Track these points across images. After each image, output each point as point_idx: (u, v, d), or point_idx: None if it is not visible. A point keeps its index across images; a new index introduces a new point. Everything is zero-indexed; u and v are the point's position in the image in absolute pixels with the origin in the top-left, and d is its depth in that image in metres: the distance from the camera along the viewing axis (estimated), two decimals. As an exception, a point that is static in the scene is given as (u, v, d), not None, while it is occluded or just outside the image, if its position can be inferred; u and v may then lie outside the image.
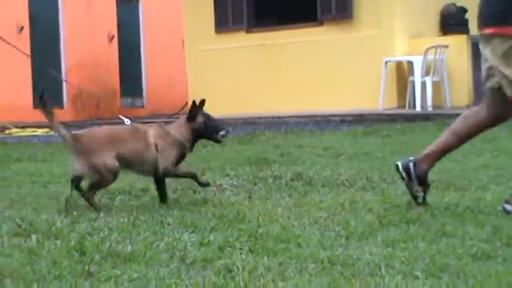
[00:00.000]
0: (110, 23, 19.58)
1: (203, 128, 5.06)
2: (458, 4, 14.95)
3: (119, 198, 5.31)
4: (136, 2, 20.41)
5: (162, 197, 5.05)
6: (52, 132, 13.51)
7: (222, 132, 5.13)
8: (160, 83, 20.39)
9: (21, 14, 17.30)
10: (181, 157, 5.03)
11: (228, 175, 6.31)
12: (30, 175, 6.96)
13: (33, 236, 4.01)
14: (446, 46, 14.04)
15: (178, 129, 5.05)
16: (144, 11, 20.47)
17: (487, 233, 3.83)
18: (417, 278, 3.11)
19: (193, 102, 5.09)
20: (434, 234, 3.85)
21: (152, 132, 4.99)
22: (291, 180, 5.97)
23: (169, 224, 4.29)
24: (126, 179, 6.09)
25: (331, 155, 7.79)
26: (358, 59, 14.56)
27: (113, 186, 5.35)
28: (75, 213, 4.65)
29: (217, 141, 5.21)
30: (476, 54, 14.35)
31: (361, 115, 13.37)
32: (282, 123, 12.59)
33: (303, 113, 14.08)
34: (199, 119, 5.05)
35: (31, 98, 17.54)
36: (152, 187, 5.49)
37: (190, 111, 5.07)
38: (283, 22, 15.60)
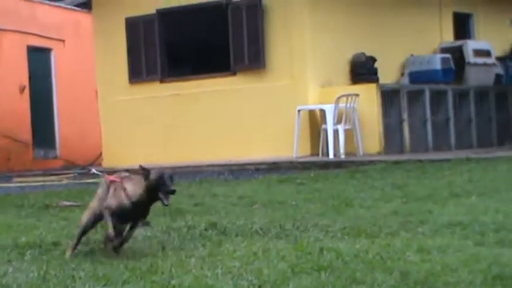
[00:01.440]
0: (20, 73, 19.34)
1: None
2: (368, 53, 15.27)
3: (29, 252, 5.21)
4: (48, 52, 20.23)
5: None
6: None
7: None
8: (74, 133, 20.17)
9: None
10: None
11: (141, 227, 6.25)
12: None
13: None
14: (357, 94, 14.31)
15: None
16: (56, 60, 20.30)
17: (395, 279, 3.87)
18: (327, 325, 3.13)
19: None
20: (345, 281, 3.88)
21: None
22: (205, 229, 5.95)
23: (80, 278, 4.22)
24: (36, 233, 6.00)
25: (245, 204, 7.80)
26: (271, 107, 14.71)
27: (23, 240, 5.27)
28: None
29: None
30: (385, 102, 14.69)
31: (275, 163, 13.47)
32: (197, 173, 12.58)
33: (218, 161, 14.11)
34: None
35: None
36: (63, 241, 5.43)
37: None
38: (197, 72, 15.70)
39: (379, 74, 15.35)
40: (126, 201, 4.83)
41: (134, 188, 4.87)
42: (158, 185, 4.78)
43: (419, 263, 4.25)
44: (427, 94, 15.61)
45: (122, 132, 15.89)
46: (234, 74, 15.28)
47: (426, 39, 17.06)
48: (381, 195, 7.81)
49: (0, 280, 4.21)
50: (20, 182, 13.82)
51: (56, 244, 5.48)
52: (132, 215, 4.86)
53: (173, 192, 4.78)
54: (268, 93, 14.85)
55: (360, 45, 15.43)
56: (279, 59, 14.87)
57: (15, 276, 4.33)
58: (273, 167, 13.11)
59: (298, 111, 14.28)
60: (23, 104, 19.35)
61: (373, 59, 15.35)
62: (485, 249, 4.62)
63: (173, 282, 4.00)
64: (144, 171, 4.86)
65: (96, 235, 5.74)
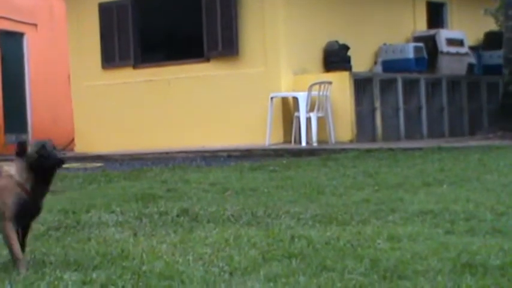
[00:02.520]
0: None
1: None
2: (341, 41, 15.30)
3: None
4: (21, 36, 20.06)
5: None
6: None
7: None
8: (46, 118, 20.04)
9: None
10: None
11: (113, 212, 6.24)
12: None
13: None
14: (330, 82, 14.33)
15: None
16: (28, 45, 20.13)
17: (365, 266, 3.91)
18: (297, 312, 3.15)
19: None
20: (315, 269, 3.90)
21: None
22: (177, 216, 5.96)
23: (51, 263, 4.22)
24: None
25: (217, 191, 7.80)
26: (244, 94, 14.71)
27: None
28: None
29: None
30: (358, 90, 14.74)
31: (248, 150, 13.48)
32: (169, 159, 12.57)
33: (191, 148, 14.10)
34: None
35: None
36: (34, 226, 5.41)
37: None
38: (170, 58, 15.65)
39: (352, 63, 15.38)
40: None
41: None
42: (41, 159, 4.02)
43: (390, 251, 4.28)
44: (400, 83, 15.67)
45: (95, 117, 15.82)
46: (208, 60, 15.25)
47: (399, 28, 17.12)
48: (352, 183, 7.84)
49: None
50: None
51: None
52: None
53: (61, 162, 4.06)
54: (241, 80, 14.84)
55: (334, 34, 15.45)
56: (253, 46, 14.85)
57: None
58: (246, 154, 13.12)
59: (271, 98, 14.29)
60: (-5, 88, 19.22)
61: (346, 47, 15.37)
62: (455, 238, 4.67)
63: (144, 268, 4.01)
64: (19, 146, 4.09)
65: (68, 219, 5.74)
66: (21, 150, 4.07)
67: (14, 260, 4.03)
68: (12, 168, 4.10)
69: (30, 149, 4.06)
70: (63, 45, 17.32)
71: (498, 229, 4.89)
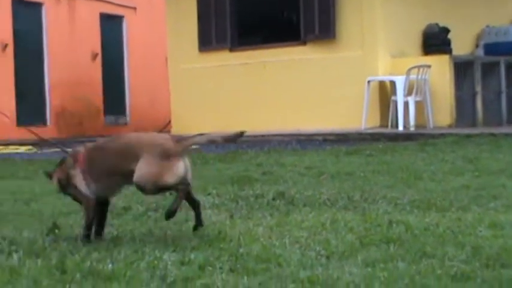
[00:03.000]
0: (93, 41, 19.58)
1: None
2: (441, 24, 15.05)
3: (100, 216, 5.29)
4: (120, 20, 20.42)
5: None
6: (34, 150, 13.51)
7: None
8: (144, 100, 20.38)
9: (5, 31, 17.27)
10: None
11: (209, 194, 6.31)
12: (12, 193, 6.93)
13: (15, 255, 4.00)
14: (429, 66, 14.13)
15: None
16: (128, 28, 20.48)
17: (467, 253, 3.84)
18: (396, 298, 3.12)
19: None
20: (414, 255, 3.86)
21: None
22: (273, 199, 5.97)
23: (150, 243, 4.28)
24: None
25: (313, 174, 7.80)
26: (341, 78, 14.63)
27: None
28: (57, 231, 4.64)
29: None
30: (458, 74, 14.48)
31: (343, 134, 13.41)
32: (265, 142, 12.61)
33: (286, 131, 14.11)
34: None
35: (14, 115, 17.51)
36: (134, 206, 5.51)
37: None
38: (266, 41, 15.66)
39: (453, 46, 15.13)
40: None
41: None
42: None
43: (492, 238, 4.20)
44: (503, 66, 15.32)
45: (191, 99, 15.98)
46: (304, 43, 15.22)
47: (503, 10, 16.72)
48: (451, 169, 7.74)
49: (73, 243, 4.30)
50: None
51: (126, 209, 5.57)
52: None
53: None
54: (338, 63, 14.76)
55: (433, 16, 15.21)
56: (350, 29, 14.74)
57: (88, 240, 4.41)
58: (341, 138, 13.06)
59: (368, 82, 14.17)
60: (96, 72, 19.62)
61: (446, 30, 15.12)
62: (560, 226, 4.55)
63: (241, 250, 4.03)
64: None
65: (166, 200, 5.81)
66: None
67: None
68: None
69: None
70: (161, 28, 17.54)
71: None
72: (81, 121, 18.80)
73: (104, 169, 4.38)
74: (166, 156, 4.26)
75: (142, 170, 4.25)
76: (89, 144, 4.57)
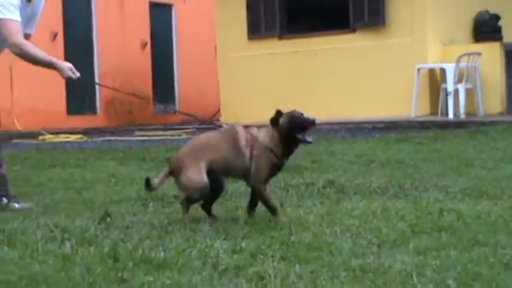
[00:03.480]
0: (143, 30, 19.68)
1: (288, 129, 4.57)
2: (492, 11, 14.87)
3: (151, 205, 5.34)
4: (169, 8, 20.49)
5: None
6: (85, 139, 13.67)
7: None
8: (193, 89, 20.46)
9: (55, 20, 17.43)
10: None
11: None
12: (64, 181, 7.02)
13: (67, 243, 4.06)
14: (479, 53, 13.98)
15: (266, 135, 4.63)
16: (177, 17, 20.56)
17: (520, 242, 3.82)
18: (449, 286, 3.10)
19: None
20: (466, 243, 3.84)
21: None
22: (323, 187, 5.97)
23: (201, 231, 4.31)
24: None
25: (363, 162, 7.78)
26: (390, 65, 14.54)
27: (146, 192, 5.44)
28: (108, 219, 4.70)
29: (304, 141, 4.65)
30: (509, 62, 14.30)
31: (393, 122, 13.34)
32: (314, 130, 12.56)
33: (335, 119, 14.06)
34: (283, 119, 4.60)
35: (64, 104, 17.70)
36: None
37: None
38: (315, 29, 15.60)
39: (503, 33, 14.95)
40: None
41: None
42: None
43: (545, 227, 4.17)
44: (554, 53, 15.08)
45: (240, 88, 16.00)
46: (354, 31, 15.15)
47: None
48: (502, 157, 7.66)
49: (125, 231, 4.35)
50: (141, 135, 14.15)
51: (177, 197, 5.59)
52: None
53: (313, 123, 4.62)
54: (387, 51, 14.67)
55: (484, 3, 15.05)
56: (399, 16, 14.64)
57: (139, 227, 4.46)
58: (391, 126, 12.99)
59: (418, 69, 14.07)
60: (145, 60, 19.73)
61: (497, 17, 14.94)
62: None
63: (292, 238, 4.04)
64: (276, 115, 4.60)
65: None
66: (275, 120, 4.58)
67: (274, 212, 4.59)
68: (261, 133, 4.64)
69: (282, 119, 4.59)
70: (210, 16, 17.58)
71: None
72: (131, 109, 18.93)
73: None
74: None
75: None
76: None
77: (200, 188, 4.51)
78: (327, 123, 13.73)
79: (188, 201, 4.62)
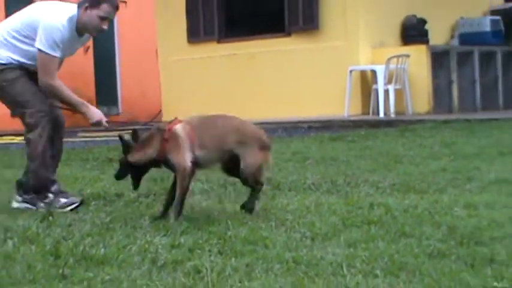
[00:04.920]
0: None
1: None
2: (419, 16, 15.06)
3: (93, 203, 5.28)
4: (112, 12, 20.24)
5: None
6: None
7: None
8: (135, 91, 20.29)
9: None
10: None
11: (199, 180, 6.30)
12: (6, 182, 6.88)
13: (9, 241, 4.00)
14: (408, 55, 14.14)
15: None
16: (118, 21, 20.34)
17: (443, 233, 3.87)
18: (377, 276, 3.13)
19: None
20: (394, 235, 3.88)
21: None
22: (260, 184, 5.96)
23: (141, 228, 4.28)
24: (100, 185, 6.07)
25: (298, 160, 7.80)
26: (324, 68, 14.63)
27: (88, 191, 5.36)
28: (50, 218, 4.64)
29: None
30: (435, 64, 14.50)
31: (327, 121, 13.43)
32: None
33: (273, 119, 14.09)
34: None
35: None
36: (126, 192, 5.49)
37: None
38: (252, 33, 15.62)
39: (430, 36, 15.14)
40: None
41: None
42: None
43: (466, 218, 4.23)
44: (476, 55, 15.34)
45: (181, 90, 15.94)
46: (289, 35, 15.20)
47: (476, 2, 16.72)
48: (429, 153, 7.76)
49: (67, 229, 4.30)
50: (84, 137, 14.00)
51: (119, 195, 5.56)
52: None
53: None
54: (321, 53, 14.76)
55: (412, 8, 15.21)
56: (332, 21, 14.74)
57: (80, 225, 4.41)
58: (326, 125, 13.07)
59: (350, 71, 14.18)
60: (88, 64, 19.48)
61: (423, 21, 15.13)
62: (532, 206, 4.58)
63: (229, 233, 4.04)
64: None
65: (155, 187, 5.81)
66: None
67: None
68: None
69: None
70: (151, 20, 17.45)
71: None
72: (75, 112, 18.65)
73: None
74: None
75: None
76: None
77: None
78: (265, 123, 13.74)
79: None
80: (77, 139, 13.43)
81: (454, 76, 14.95)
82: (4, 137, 14.33)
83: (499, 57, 15.75)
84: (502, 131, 9.86)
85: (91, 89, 19.35)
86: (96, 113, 5.29)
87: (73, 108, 5.29)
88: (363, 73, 14.50)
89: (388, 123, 12.53)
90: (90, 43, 19.32)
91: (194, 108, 15.29)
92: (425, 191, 5.32)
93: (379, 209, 4.60)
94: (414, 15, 15.09)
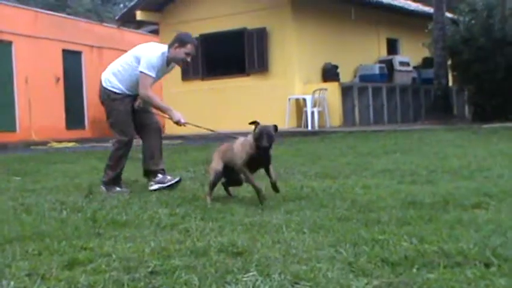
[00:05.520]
0: (56, 68, 17.03)
1: None
2: (333, 63, 15.19)
3: (119, 186, 5.20)
4: (79, 54, 17.76)
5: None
6: (77, 145, 13.23)
7: None
8: (99, 114, 17.21)
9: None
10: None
11: (188, 171, 6.28)
12: (62, 172, 6.81)
13: (64, 211, 3.95)
14: (326, 89, 14.24)
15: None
16: (85, 60, 17.85)
17: (348, 204, 3.89)
18: (304, 233, 3.14)
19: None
20: (316, 206, 3.89)
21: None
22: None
23: (150, 202, 4.26)
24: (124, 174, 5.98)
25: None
26: (272, 97, 14.67)
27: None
28: (91, 196, 4.58)
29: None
30: (344, 94, 14.60)
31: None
32: (225, 138, 12.48)
33: (238, 130, 14.00)
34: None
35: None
36: (140, 179, 5.43)
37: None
38: (224, 73, 15.62)
39: (340, 76, 15.27)
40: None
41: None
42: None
43: (363, 195, 4.26)
44: (370, 89, 15.51)
45: (179, 111, 15.80)
46: (248, 75, 15.21)
47: (370, 54, 16.93)
48: (339, 153, 7.79)
49: (101, 203, 4.25)
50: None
51: (134, 181, 5.50)
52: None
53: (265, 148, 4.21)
54: (270, 87, 14.79)
55: (328, 57, 15.34)
56: (277, 65, 14.79)
57: (110, 201, 4.36)
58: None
59: (289, 99, 14.24)
60: (58, 92, 16.96)
61: (336, 67, 15.26)
62: (404, 186, 4.62)
63: (208, 206, 4.02)
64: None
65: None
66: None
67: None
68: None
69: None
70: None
71: (430, 180, 4.84)
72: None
73: None
74: None
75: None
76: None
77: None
78: (235, 133, 13.69)
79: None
80: (109, 144, 13.18)
81: (356, 102, 15.09)
82: (62, 143, 14.11)
83: (384, 91, 15.95)
84: (386, 138, 9.96)
85: (61, 113, 17.07)
86: (176, 115, 5.06)
87: (162, 111, 5.09)
88: (297, 100, 14.56)
89: (313, 133, 12.58)
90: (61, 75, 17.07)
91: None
92: (336, 177, 5.34)
93: (307, 189, 4.61)
94: (330, 63, 15.21)
